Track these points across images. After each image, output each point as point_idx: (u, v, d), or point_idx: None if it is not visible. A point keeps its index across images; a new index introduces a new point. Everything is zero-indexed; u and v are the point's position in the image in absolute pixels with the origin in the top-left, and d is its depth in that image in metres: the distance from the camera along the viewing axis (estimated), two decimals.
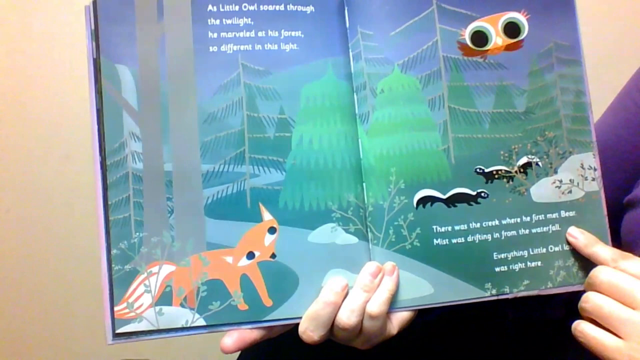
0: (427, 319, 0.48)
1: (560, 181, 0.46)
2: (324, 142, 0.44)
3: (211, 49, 0.42)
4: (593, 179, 0.46)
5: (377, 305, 0.42)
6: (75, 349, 0.92)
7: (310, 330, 0.41)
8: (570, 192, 0.46)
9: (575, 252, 0.46)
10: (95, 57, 0.41)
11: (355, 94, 0.45)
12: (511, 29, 0.46)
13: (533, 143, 0.46)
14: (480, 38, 0.45)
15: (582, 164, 0.46)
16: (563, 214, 0.46)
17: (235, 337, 0.42)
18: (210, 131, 0.42)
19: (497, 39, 0.46)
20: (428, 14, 0.45)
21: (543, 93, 0.46)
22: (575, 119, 0.46)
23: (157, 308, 0.41)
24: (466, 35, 0.45)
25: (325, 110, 0.44)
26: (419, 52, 0.45)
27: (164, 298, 0.41)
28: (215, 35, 0.42)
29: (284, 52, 0.43)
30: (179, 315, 0.41)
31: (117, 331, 0.41)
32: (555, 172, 0.46)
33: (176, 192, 0.42)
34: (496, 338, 0.57)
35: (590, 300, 0.40)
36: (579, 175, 0.46)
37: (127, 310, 0.41)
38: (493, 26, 0.46)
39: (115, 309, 0.41)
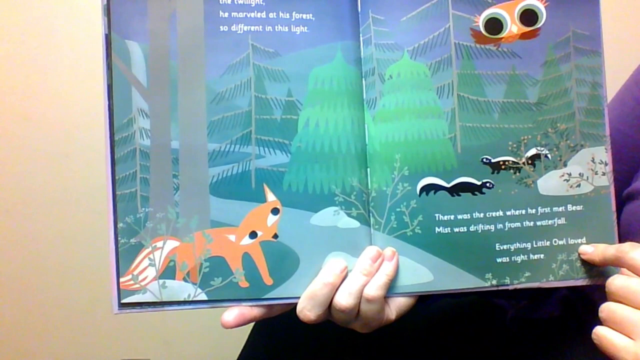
0: (429, 309, 0.48)
1: (569, 174, 0.45)
2: (330, 125, 0.44)
3: (222, 28, 0.43)
4: (603, 174, 0.46)
5: (374, 289, 0.42)
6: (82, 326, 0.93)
7: (307, 310, 0.42)
8: (578, 186, 0.45)
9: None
10: (106, 32, 0.41)
11: (363, 79, 0.45)
12: (528, 17, 0.45)
13: (543, 135, 0.45)
14: (494, 25, 0.44)
15: (593, 158, 0.46)
16: (570, 207, 0.45)
17: (236, 314, 0.43)
18: (218, 111, 0.43)
19: (512, 27, 0.45)
20: (442, 0, 0.44)
21: (557, 84, 0.45)
22: (590, 112, 0.46)
23: (161, 281, 0.42)
24: (480, 22, 0.44)
25: (332, 94, 0.44)
26: (430, 39, 0.44)
27: (168, 272, 0.42)
28: (226, 14, 0.42)
29: (294, 34, 0.43)
30: (181, 289, 0.43)
31: (123, 301, 0.42)
32: (565, 165, 0.45)
33: (182, 170, 0.42)
34: (495, 337, 0.57)
35: (605, 309, 0.40)
36: (589, 169, 0.45)
37: (132, 282, 0.42)
38: (509, 13, 0.45)
39: (121, 280, 0.42)
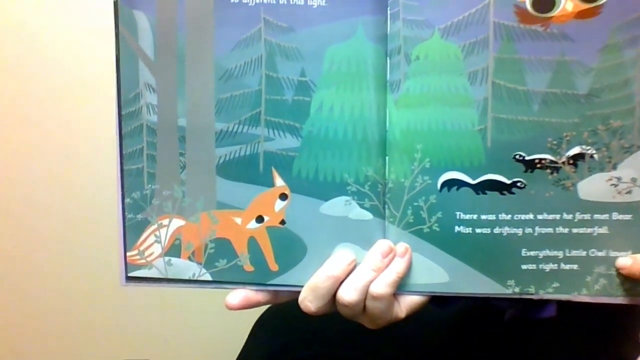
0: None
1: (619, 179, 0.40)
2: (346, 110, 0.40)
3: None
4: None
5: (381, 286, 0.40)
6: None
7: (308, 301, 0.41)
8: (629, 192, 0.40)
9: None
10: (115, 0, 0.39)
11: (388, 58, 0.40)
12: None
13: (591, 132, 0.39)
14: (544, 1, 0.38)
15: None
16: (615, 216, 0.40)
17: (241, 297, 0.42)
18: (227, 89, 0.40)
19: (567, 4, 0.38)
20: None
21: (616, 73, 0.39)
22: None
23: (167, 258, 0.42)
24: None
25: (350, 75, 0.40)
26: (465, 16, 0.39)
27: (173, 250, 0.42)
28: None
29: (310, 8, 0.39)
30: (186, 267, 0.42)
31: (129, 275, 0.43)
32: (614, 167, 0.40)
33: (189, 149, 0.41)
34: (492, 338, 0.55)
35: None
36: None
37: (138, 257, 0.42)
38: None
39: (128, 254, 0.42)
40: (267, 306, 0.60)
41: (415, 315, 0.42)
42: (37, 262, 0.91)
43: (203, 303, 0.90)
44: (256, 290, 0.43)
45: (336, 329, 0.43)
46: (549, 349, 0.52)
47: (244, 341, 0.60)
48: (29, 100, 0.86)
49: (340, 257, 0.41)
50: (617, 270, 0.40)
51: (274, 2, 0.39)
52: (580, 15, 0.38)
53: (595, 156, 0.40)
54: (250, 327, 0.61)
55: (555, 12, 0.38)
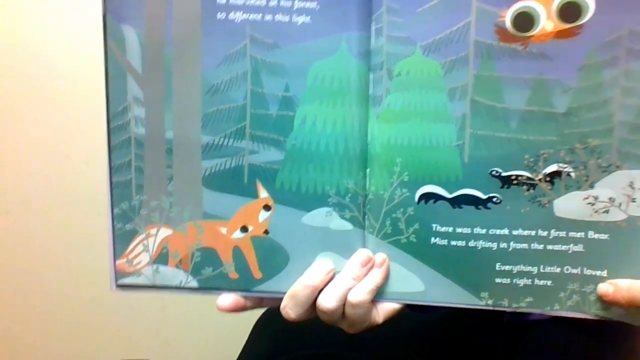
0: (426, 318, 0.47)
1: (596, 198, 0.40)
2: (328, 124, 0.41)
3: (219, 15, 0.40)
4: None
5: (360, 294, 0.41)
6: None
7: (289, 308, 0.42)
8: (606, 212, 0.40)
9: (598, 280, 0.41)
10: (103, 14, 0.40)
11: (371, 73, 0.41)
12: (569, 12, 0.38)
13: (568, 150, 0.40)
14: (524, 21, 0.39)
15: (631, 183, 0.40)
16: (592, 235, 0.41)
17: (232, 300, 0.44)
18: (213, 103, 0.41)
19: (547, 24, 0.39)
20: None
21: (595, 93, 0.39)
22: (636, 128, 0.39)
23: (154, 266, 0.44)
24: (507, 17, 0.39)
25: (333, 91, 0.41)
26: (446, 34, 0.39)
27: (161, 258, 0.44)
28: (224, 0, 0.40)
29: (295, 24, 0.40)
30: (174, 275, 0.44)
31: (119, 282, 0.44)
32: (592, 186, 0.40)
33: (176, 161, 0.42)
34: (490, 338, 0.55)
35: None
36: (624, 194, 0.40)
37: (127, 265, 0.44)
38: (545, 6, 0.38)
39: (117, 262, 0.44)
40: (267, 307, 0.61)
41: (415, 316, 0.43)
42: (35, 262, 0.92)
43: (203, 304, 0.91)
44: (241, 296, 0.44)
45: (336, 330, 0.44)
46: (547, 350, 0.53)
47: (244, 341, 0.61)
48: (29, 102, 0.87)
49: (318, 267, 0.42)
50: (594, 288, 0.41)
51: (260, 18, 0.40)
52: (560, 35, 0.39)
53: (572, 174, 0.40)
54: (250, 328, 0.62)
55: (535, 31, 0.39)
